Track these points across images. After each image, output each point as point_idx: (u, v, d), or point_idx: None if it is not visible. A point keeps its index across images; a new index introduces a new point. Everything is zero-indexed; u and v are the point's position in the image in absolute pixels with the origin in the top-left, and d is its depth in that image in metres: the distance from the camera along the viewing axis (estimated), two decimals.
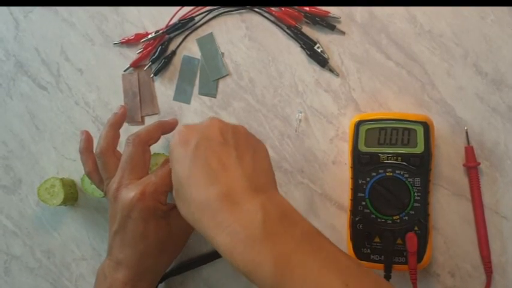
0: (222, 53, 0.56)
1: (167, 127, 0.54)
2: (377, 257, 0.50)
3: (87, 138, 0.53)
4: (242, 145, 0.43)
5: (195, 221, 0.40)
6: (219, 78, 0.56)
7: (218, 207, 0.38)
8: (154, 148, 0.52)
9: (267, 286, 0.36)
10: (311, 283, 0.35)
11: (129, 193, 0.47)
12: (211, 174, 0.40)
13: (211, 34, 0.56)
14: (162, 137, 0.53)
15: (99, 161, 0.51)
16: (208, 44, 0.57)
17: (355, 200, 0.51)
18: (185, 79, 0.57)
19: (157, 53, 0.57)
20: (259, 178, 0.41)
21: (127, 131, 0.58)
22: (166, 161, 0.50)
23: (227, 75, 0.56)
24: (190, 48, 0.57)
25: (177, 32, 0.57)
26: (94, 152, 0.51)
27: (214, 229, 0.38)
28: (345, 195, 0.53)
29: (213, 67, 0.56)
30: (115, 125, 0.52)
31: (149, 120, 0.58)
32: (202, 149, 0.41)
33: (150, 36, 0.57)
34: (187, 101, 0.57)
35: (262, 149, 0.45)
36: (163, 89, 0.58)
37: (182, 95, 0.57)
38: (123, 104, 0.59)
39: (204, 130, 0.43)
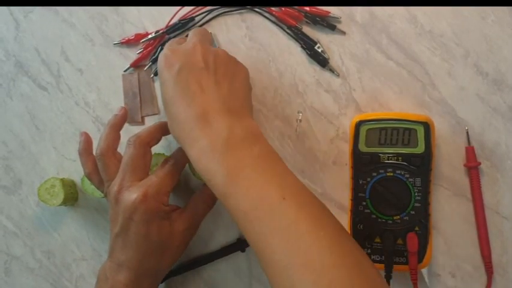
0: None
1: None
2: (377, 257, 0.50)
3: (86, 140, 0.53)
4: (221, 71, 0.46)
5: (179, 137, 0.45)
6: None
7: (193, 125, 0.43)
8: (155, 148, 0.52)
9: (219, 193, 0.41)
10: (253, 193, 0.40)
11: (131, 195, 0.47)
12: (190, 96, 0.44)
13: (213, 35, 0.56)
14: (163, 137, 0.53)
15: (99, 162, 0.50)
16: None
17: (356, 200, 0.51)
18: None
19: (157, 53, 0.57)
20: (233, 102, 0.45)
21: (127, 131, 0.58)
22: (166, 160, 0.50)
23: None
24: None
25: (177, 32, 0.57)
26: (94, 153, 0.51)
27: (189, 143, 0.43)
28: (345, 196, 0.53)
29: None
30: (115, 126, 0.52)
31: (149, 121, 0.58)
32: (184, 73, 0.45)
33: (150, 36, 0.57)
34: None
35: (241, 74, 0.48)
36: None
37: None
38: (123, 104, 0.59)
39: (187, 55, 0.46)
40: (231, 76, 0.47)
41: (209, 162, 0.42)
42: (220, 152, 0.42)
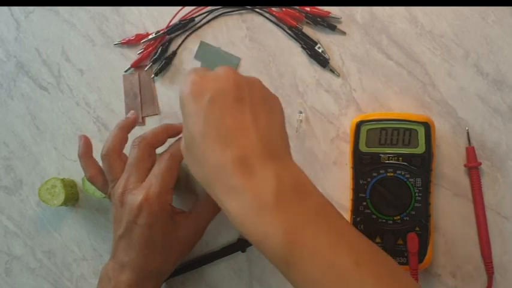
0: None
1: (174, 130, 0.52)
2: None
3: (86, 143, 0.52)
4: (258, 103, 0.40)
5: (207, 182, 0.38)
6: None
7: (232, 172, 0.36)
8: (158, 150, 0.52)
9: (276, 258, 0.35)
10: (321, 258, 0.34)
11: (135, 198, 0.46)
12: (226, 135, 0.38)
13: (218, 49, 0.56)
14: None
15: (104, 162, 0.50)
16: (210, 58, 0.57)
17: (356, 200, 0.51)
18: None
19: (158, 54, 0.57)
20: (274, 142, 0.39)
21: None
22: (161, 157, 0.49)
23: None
24: (191, 48, 0.57)
25: (177, 33, 0.57)
26: (100, 153, 0.50)
27: (227, 194, 0.37)
28: (345, 196, 0.53)
29: None
30: (124, 128, 0.51)
31: (150, 121, 0.58)
32: (217, 104, 0.38)
33: (150, 36, 0.57)
34: None
35: (277, 106, 0.42)
36: (164, 90, 0.58)
37: None
38: (123, 105, 0.59)
39: (218, 82, 0.39)
40: (269, 109, 0.41)
41: (261, 221, 0.35)
42: (271, 209, 0.35)
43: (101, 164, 0.51)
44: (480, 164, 0.51)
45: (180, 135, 0.51)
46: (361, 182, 0.50)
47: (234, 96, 0.39)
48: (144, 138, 0.49)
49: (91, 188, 0.57)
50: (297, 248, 0.34)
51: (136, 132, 0.58)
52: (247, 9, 0.56)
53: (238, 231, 0.37)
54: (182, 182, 0.56)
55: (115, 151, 0.50)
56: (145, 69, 0.58)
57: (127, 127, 0.52)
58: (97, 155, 0.51)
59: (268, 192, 0.36)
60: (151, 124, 0.58)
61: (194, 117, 0.39)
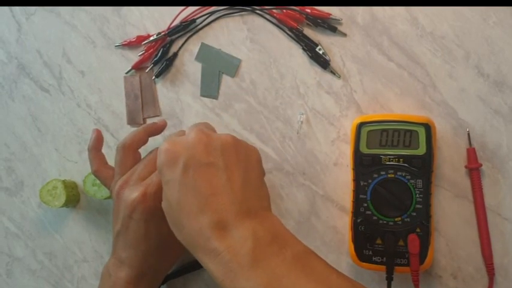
0: (221, 73, 0.56)
1: (154, 130, 0.54)
2: (379, 259, 0.50)
3: (98, 137, 0.54)
4: (232, 164, 0.41)
5: (187, 245, 0.40)
6: (206, 96, 0.57)
7: (209, 236, 0.38)
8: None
9: None
10: None
11: (132, 194, 0.47)
12: (201, 201, 0.39)
13: (219, 51, 0.57)
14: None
15: (117, 154, 0.51)
16: (211, 59, 0.57)
17: (357, 201, 0.51)
18: (207, 71, 0.57)
19: (159, 55, 0.57)
20: (250, 200, 0.40)
21: (128, 132, 0.58)
22: None
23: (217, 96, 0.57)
24: (192, 50, 0.57)
25: (178, 34, 0.57)
26: (117, 144, 0.52)
27: (207, 256, 0.38)
28: (346, 197, 0.53)
29: (207, 85, 0.57)
30: (148, 130, 0.53)
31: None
32: (190, 171, 0.40)
33: (151, 38, 0.57)
34: (214, 95, 0.57)
35: (253, 160, 0.44)
36: (165, 91, 0.58)
37: (208, 88, 0.57)
38: (124, 105, 0.59)
39: (190, 149, 0.41)
40: (244, 166, 0.42)
41: (240, 279, 0.36)
42: (248, 266, 0.36)
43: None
44: (481, 165, 0.51)
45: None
46: (361, 184, 0.50)
47: (206, 161, 0.40)
48: (123, 143, 0.51)
49: (92, 190, 0.57)
50: None
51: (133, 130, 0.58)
52: (248, 10, 0.56)
53: None
54: None
55: (131, 146, 0.51)
56: (146, 70, 0.58)
57: (150, 130, 0.53)
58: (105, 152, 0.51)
59: (244, 251, 0.37)
60: None
61: (170, 185, 0.40)
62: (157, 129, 0.54)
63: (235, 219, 0.38)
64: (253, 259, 0.36)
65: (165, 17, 0.57)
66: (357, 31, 0.54)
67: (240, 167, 0.41)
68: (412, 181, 0.49)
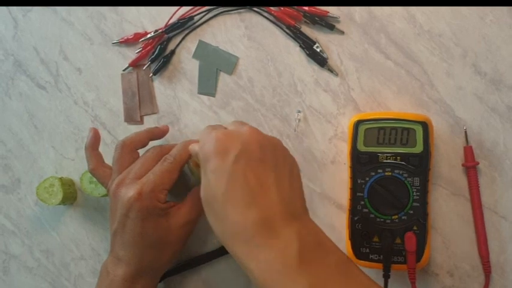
0: (219, 71, 0.56)
1: (157, 134, 0.55)
2: (376, 257, 0.50)
3: (95, 136, 0.54)
4: (280, 164, 0.41)
5: (226, 239, 0.39)
6: (204, 94, 0.57)
7: (254, 232, 0.37)
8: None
9: None
10: None
11: (128, 192, 0.47)
12: (249, 195, 0.38)
13: (217, 48, 0.56)
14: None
15: (115, 151, 0.51)
16: (209, 57, 0.57)
17: (354, 199, 0.51)
18: (205, 69, 0.57)
19: (156, 53, 0.57)
20: (295, 203, 0.41)
21: (126, 130, 0.58)
22: (165, 157, 0.50)
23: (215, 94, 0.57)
24: (189, 47, 0.57)
25: (176, 32, 0.57)
26: (118, 141, 0.52)
27: (249, 254, 0.37)
28: (343, 195, 0.53)
29: (204, 82, 0.57)
30: (150, 133, 0.54)
31: (148, 120, 0.58)
32: (241, 164, 0.39)
33: (149, 35, 0.57)
34: (212, 92, 0.57)
35: (296, 166, 0.44)
36: (163, 89, 0.58)
37: (205, 85, 0.57)
38: (122, 103, 0.59)
39: (243, 142, 0.40)
40: (289, 170, 0.42)
41: (284, 280, 0.36)
42: (295, 267, 0.36)
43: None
44: (478, 163, 0.51)
45: (186, 141, 0.52)
46: (359, 181, 0.51)
47: (258, 157, 0.40)
48: (124, 141, 0.52)
49: (89, 187, 0.57)
50: None
51: (134, 130, 0.58)
52: (246, 8, 0.56)
53: None
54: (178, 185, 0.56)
55: (130, 145, 0.52)
56: (144, 68, 0.58)
57: (153, 133, 0.54)
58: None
59: (292, 252, 0.36)
60: (150, 123, 0.58)
61: (218, 174, 0.39)
62: (160, 134, 0.55)
63: (281, 219, 0.38)
64: (300, 261, 0.36)
65: (163, 14, 0.57)
66: (354, 29, 0.54)
67: (287, 169, 0.42)
68: (409, 179, 0.49)
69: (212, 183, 0.40)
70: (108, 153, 0.54)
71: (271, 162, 0.41)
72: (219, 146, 0.40)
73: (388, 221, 0.50)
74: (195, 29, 0.57)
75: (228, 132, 0.42)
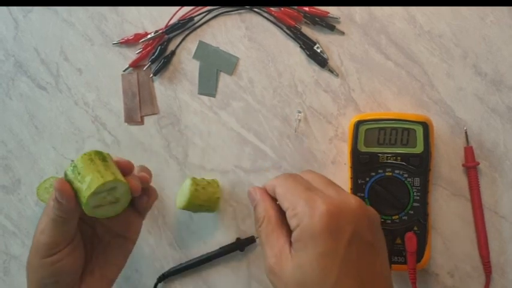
0: (219, 71, 0.56)
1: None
2: None
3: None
4: (382, 245, 0.37)
5: None
6: (204, 94, 0.57)
7: None
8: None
9: None
10: None
11: None
12: (363, 284, 0.34)
13: (217, 49, 0.56)
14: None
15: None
16: (209, 57, 0.57)
17: None
18: (205, 69, 0.57)
19: (156, 53, 0.57)
20: (391, 284, 0.37)
21: (126, 130, 0.59)
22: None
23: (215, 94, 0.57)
24: (189, 48, 0.57)
25: (176, 32, 0.57)
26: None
27: None
28: None
29: (205, 83, 0.57)
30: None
31: (148, 120, 0.58)
32: (354, 249, 0.34)
33: (149, 36, 0.57)
34: (212, 93, 0.57)
35: (383, 239, 0.39)
36: (163, 89, 0.58)
37: (205, 86, 0.57)
38: (122, 104, 0.59)
39: (355, 221, 0.35)
40: (383, 246, 0.37)
41: None
42: None
43: None
44: (478, 163, 0.51)
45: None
46: (359, 182, 0.51)
47: (369, 240, 0.36)
48: None
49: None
50: None
51: (136, 132, 0.58)
52: (246, 9, 0.56)
53: None
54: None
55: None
56: (144, 68, 0.58)
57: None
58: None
59: None
60: (150, 123, 0.58)
61: (328, 258, 0.34)
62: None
63: None
64: None
65: (163, 14, 0.57)
66: (354, 29, 0.54)
67: (385, 249, 0.38)
68: (409, 179, 0.49)
69: (321, 266, 0.34)
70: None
71: (378, 245, 0.36)
72: (332, 223, 0.34)
73: (389, 221, 0.50)
74: (195, 29, 0.57)
75: (337, 205, 0.36)
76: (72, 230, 0.45)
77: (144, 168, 0.49)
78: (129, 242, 0.50)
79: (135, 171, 0.47)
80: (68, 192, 0.42)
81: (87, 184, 0.42)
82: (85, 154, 0.44)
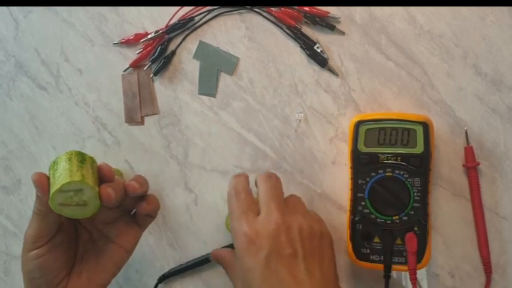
0: (219, 71, 0.56)
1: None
2: (376, 257, 0.50)
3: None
4: (309, 254, 0.43)
5: None
6: (204, 94, 0.57)
7: None
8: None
9: None
10: None
11: None
12: None
13: (217, 49, 0.56)
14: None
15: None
16: (209, 57, 0.57)
17: (355, 200, 0.51)
18: (205, 69, 0.57)
19: (157, 53, 0.57)
20: (327, 286, 0.43)
21: (126, 130, 0.59)
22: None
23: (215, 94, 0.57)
24: (190, 48, 0.57)
25: (176, 32, 0.57)
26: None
27: None
28: (344, 196, 0.53)
29: (205, 83, 0.57)
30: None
31: (149, 120, 0.58)
32: (273, 261, 0.41)
33: (149, 36, 0.57)
34: (212, 93, 0.57)
35: (326, 248, 0.45)
36: (163, 89, 0.58)
37: (206, 86, 0.57)
38: (122, 104, 0.59)
39: (272, 237, 0.42)
40: (319, 255, 0.44)
41: None
42: None
43: None
44: (478, 164, 0.51)
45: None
46: (359, 182, 0.50)
47: (288, 252, 0.42)
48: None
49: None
50: None
51: (137, 132, 0.58)
52: (246, 9, 0.56)
53: None
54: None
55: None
56: (144, 68, 0.58)
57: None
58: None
59: None
60: (151, 123, 0.58)
61: (252, 272, 0.41)
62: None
63: None
64: None
65: (163, 15, 0.57)
66: (355, 29, 0.54)
67: (316, 256, 0.43)
68: (409, 180, 0.49)
69: (248, 281, 0.42)
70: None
71: (300, 254, 0.42)
72: (247, 243, 0.42)
73: (389, 222, 0.50)
74: (195, 29, 0.57)
75: (252, 226, 0.43)
76: (52, 224, 0.46)
77: (137, 177, 0.50)
78: (123, 251, 0.50)
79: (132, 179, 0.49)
80: (41, 183, 0.44)
81: (56, 180, 0.44)
82: (67, 153, 0.46)
